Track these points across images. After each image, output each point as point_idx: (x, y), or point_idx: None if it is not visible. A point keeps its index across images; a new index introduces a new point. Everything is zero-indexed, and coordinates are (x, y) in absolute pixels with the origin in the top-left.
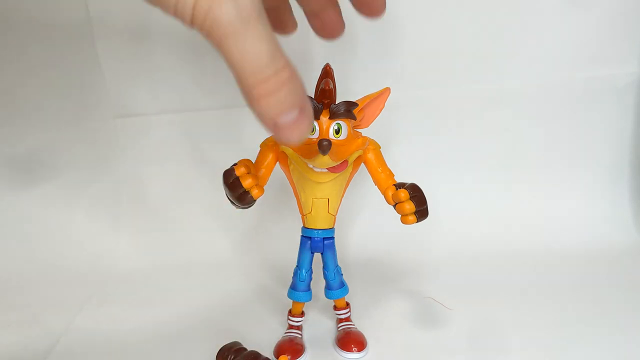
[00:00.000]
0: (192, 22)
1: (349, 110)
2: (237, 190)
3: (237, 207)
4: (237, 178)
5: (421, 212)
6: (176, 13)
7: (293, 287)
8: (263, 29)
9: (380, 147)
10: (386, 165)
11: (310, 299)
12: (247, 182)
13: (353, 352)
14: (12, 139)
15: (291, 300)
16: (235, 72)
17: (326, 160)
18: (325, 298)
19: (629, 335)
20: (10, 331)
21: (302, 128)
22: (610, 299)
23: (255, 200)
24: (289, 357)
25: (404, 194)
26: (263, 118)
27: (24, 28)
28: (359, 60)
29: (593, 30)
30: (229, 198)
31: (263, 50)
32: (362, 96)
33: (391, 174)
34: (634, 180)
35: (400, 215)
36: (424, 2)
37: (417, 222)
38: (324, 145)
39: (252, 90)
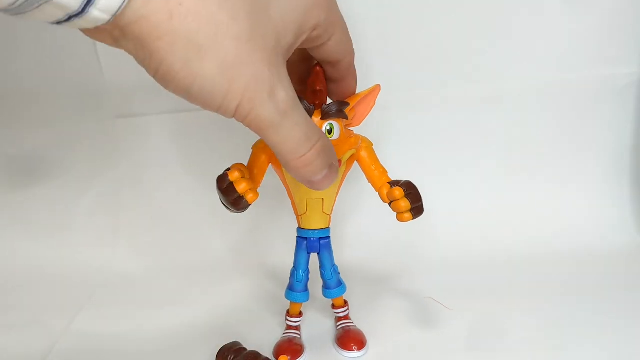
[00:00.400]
0: (234, 117)
1: (340, 110)
2: (231, 195)
3: (232, 211)
4: (231, 183)
5: (416, 209)
6: (219, 112)
7: (290, 288)
8: (298, 116)
9: (372, 145)
10: (379, 162)
11: (307, 299)
12: (241, 187)
13: (353, 350)
14: (12, 140)
15: (289, 301)
16: (276, 152)
17: None
18: (323, 297)
19: (629, 335)
20: (10, 332)
21: (331, 179)
22: (610, 299)
23: (250, 205)
24: (288, 357)
25: (398, 191)
26: (300, 180)
27: (24, 28)
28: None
29: (593, 30)
30: (223, 203)
31: (298, 135)
32: (353, 95)
33: (385, 171)
34: (634, 180)
35: (395, 213)
36: (424, 3)
37: (413, 219)
38: None
39: (290, 164)
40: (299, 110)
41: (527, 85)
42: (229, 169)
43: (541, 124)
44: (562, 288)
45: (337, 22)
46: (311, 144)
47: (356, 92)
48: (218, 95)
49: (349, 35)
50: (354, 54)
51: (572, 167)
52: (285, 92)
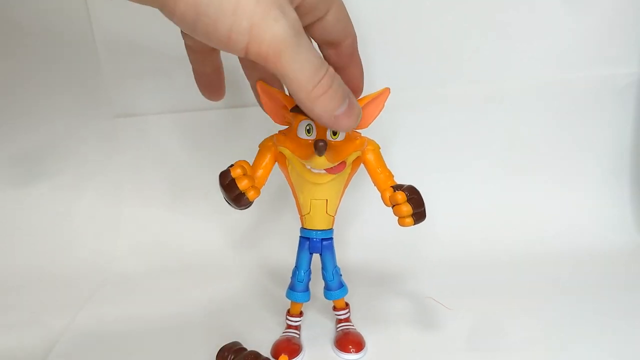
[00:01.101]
0: (247, 47)
1: None
2: (233, 192)
3: (234, 208)
4: (233, 180)
5: (418, 214)
6: (230, 40)
7: (291, 288)
8: (308, 39)
9: (380, 148)
10: (386, 166)
11: (308, 300)
12: (242, 184)
13: (351, 353)
14: (12, 139)
15: (290, 301)
16: (292, 83)
17: (322, 161)
18: (324, 298)
19: (629, 335)
20: (10, 332)
21: (353, 116)
22: (610, 299)
23: (251, 202)
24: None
25: (401, 196)
26: (324, 114)
27: (24, 28)
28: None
29: (593, 30)
30: (225, 199)
31: (313, 59)
32: (361, 97)
33: (390, 175)
34: (634, 180)
35: (397, 218)
36: (423, 2)
37: (414, 224)
38: (319, 146)
39: (311, 93)
40: (305, 34)
41: (527, 85)
42: (231, 166)
43: (541, 124)
44: (562, 288)
45: None
46: (325, 65)
47: (363, 90)
48: (227, 12)
49: (347, 15)
50: (356, 38)
51: (572, 167)
52: (293, 12)
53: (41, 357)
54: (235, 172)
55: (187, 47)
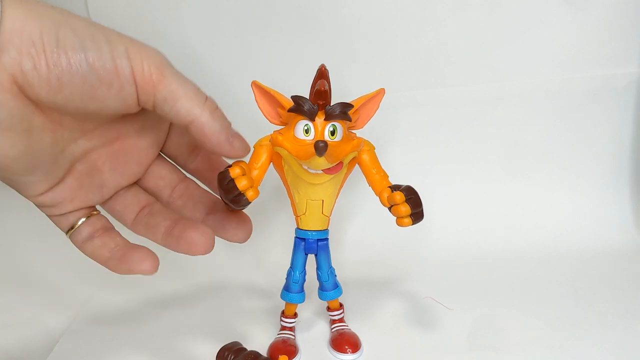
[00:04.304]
0: (134, 74)
1: (344, 111)
2: (232, 192)
3: (232, 208)
4: (232, 180)
5: (416, 214)
6: (117, 71)
7: (286, 289)
8: None
9: (374, 148)
10: (381, 166)
11: (303, 301)
12: (242, 184)
13: (347, 353)
14: None
15: (284, 302)
16: (185, 95)
17: (322, 161)
18: (319, 299)
19: (629, 335)
20: (10, 332)
21: (245, 142)
22: (610, 299)
23: (250, 202)
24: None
25: (399, 196)
26: (223, 130)
27: None
28: (355, 61)
29: (593, 30)
30: (223, 200)
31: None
32: (357, 97)
33: (385, 175)
34: (634, 180)
35: (395, 218)
36: (421, 2)
37: (413, 224)
38: (320, 147)
39: (205, 105)
40: None
41: (527, 86)
42: (230, 166)
43: (541, 124)
44: (562, 288)
45: None
46: (203, 92)
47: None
48: (101, 41)
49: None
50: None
51: (572, 167)
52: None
53: (41, 357)
54: (234, 172)
55: (191, 171)
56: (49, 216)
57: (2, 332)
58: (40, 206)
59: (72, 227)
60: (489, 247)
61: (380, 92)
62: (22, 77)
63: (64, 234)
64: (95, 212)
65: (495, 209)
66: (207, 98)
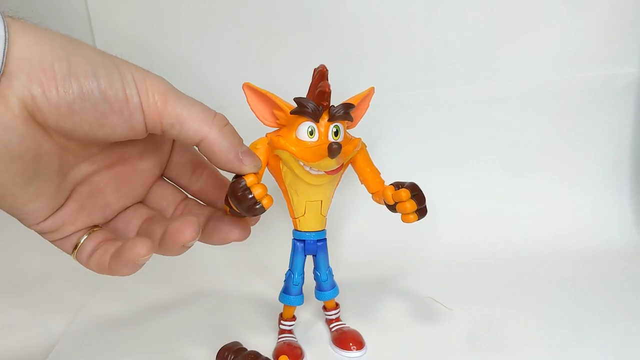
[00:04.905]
0: (141, 102)
1: (347, 112)
2: (247, 201)
3: (245, 216)
4: (248, 188)
5: (421, 210)
6: (127, 100)
7: (285, 291)
8: None
9: (366, 147)
10: (373, 164)
11: (302, 303)
12: (257, 192)
13: (352, 350)
14: None
15: (282, 304)
16: (190, 116)
17: (332, 162)
18: (314, 300)
19: (629, 335)
20: (10, 332)
21: (256, 156)
22: (610, 299)
23: (265, 210)
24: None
25: (404, 193)
26: (232, 148)
27: None
28: (354, 61)
29: (593, 30)
30: (235, 210)
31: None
32: (351, 96)
33: (378, 173)
34: (634, 180)
35: (400, 215)
36: (421, 2)
37: (418, 220)
38: (334, 149)
39: (214, 122)
40: None
41: (527, 86)
42: (241, 175)
43: (541, 124)
44: (562, 288)
45: None
46: (212, 109)
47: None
48: (111, 68)
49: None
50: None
51: (572, 167)
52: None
53: (41, 357)
54: (250, 180)
55: (195, 192)
56: (52, 241)
57: (2, 332)
58: (42, 233)
59: (75, 247)
60: (489, 247)
61: (371, 91)
62: (31, 103)
63: (70, 256)
64: (96, 228)
65: (495, 209)
66: (215, 115)
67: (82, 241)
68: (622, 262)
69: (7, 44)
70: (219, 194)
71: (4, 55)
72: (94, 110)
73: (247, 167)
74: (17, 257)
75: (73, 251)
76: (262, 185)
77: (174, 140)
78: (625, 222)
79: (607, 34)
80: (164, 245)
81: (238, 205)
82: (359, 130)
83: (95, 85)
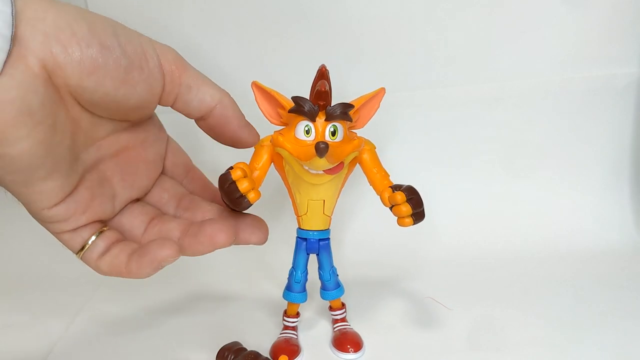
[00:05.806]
0: (161, 65)
1: (344, 112)
2: (233, 194)
3: (234, 210)
4: (234, 182)
5: (418, 214)
6: (145, 57)
7: (288, 288)
8: None
9: (375, 148)
10: (381, 165)
11: (305, 300)
12: (243, 186)
13: (349, 352)
14: None
15: (286, 301)
16: (204, 84)
17: (323, 162)
18: (321, 299)
19: (629, 335)
20: (10, 332)
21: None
22: (610, 299)
23: (251, 204)
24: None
25: (400, 196)
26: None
27: None
28: (355, 61)
29: (593, 30)
30: (225, 202)
31: None
32: (357, 97)
33: (386, 175)
34: (634, 180)
35: (396, 218)
36: (421, 2)
37: (414, 224)
38: (321, 148)
39: (226, 94)
40: None
41: (527, 86)
42: (231, 168)
43: (541, 124)
44: (563, 288)
45: None
46: None
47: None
48: (133, 36)
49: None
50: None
51: (572, 167)
52: None
53: (41, 357)
54: (236, 174)
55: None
56: (59, 233)
57: (2, 332)
58: (51, 222)
59: (83, 247)
60: (489, 247)
61: (381, 92)
62: (52, 61)
63: (75, 255)
64: (105, 228)
65: (495, 209)
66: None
67: (92, 240)
68: (622, 262)
69: (14, 6)
70: (210, 199)
71: (12, 16)
72: (117, 65)
73: (252, 135)
74: (16, 257)
75: (80, 250)
76: (248, 179)
77: (168, 139)
78: (625, 222)
79: (607, 34)
80: (192, 246)
81: (225, 198)
82: (359, 130)
83: (116, 43)
